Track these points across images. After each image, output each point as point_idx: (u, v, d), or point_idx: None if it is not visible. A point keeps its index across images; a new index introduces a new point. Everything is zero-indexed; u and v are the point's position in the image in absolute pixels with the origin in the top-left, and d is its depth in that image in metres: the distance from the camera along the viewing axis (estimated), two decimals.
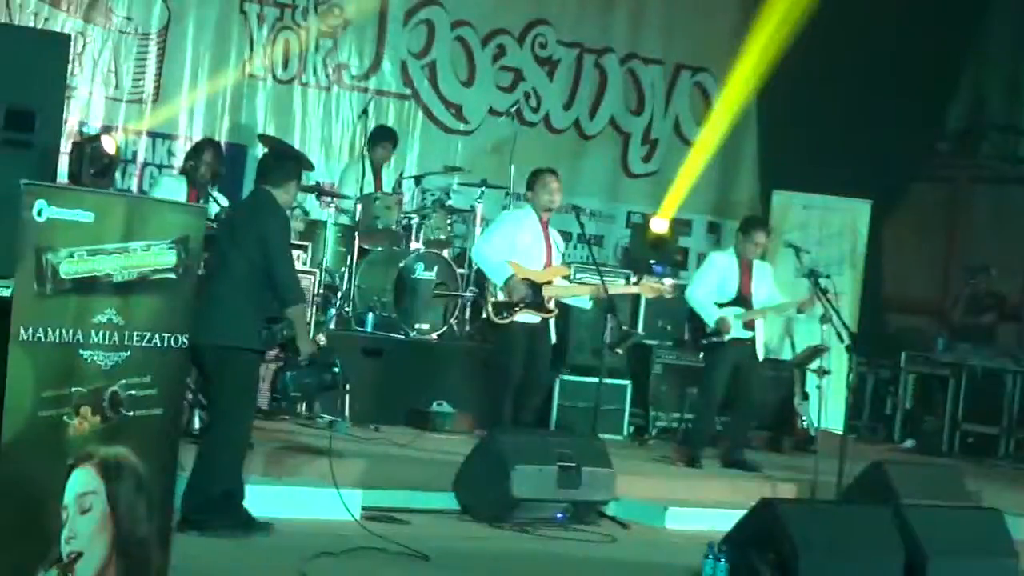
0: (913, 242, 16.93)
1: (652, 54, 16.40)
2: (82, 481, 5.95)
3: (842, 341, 11.24)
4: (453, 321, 12.76)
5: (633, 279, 12.39)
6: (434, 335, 12.58)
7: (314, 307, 11.62)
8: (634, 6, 16.29)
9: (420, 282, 12.51)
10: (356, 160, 13.48)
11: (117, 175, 12.01)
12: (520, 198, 12.34)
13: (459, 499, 9.80)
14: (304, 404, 11.02)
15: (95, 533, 6.01)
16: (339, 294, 12.46)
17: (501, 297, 10.85)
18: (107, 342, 6.01)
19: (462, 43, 15.29)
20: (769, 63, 15.54)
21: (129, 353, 6.09)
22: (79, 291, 5.90)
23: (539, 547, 9.17)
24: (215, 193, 11.29)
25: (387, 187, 13.25)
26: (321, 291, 12.12)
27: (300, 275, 9.66)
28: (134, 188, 13.22)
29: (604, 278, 11.07)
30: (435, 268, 12.59)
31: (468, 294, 12.72)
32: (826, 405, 11.95)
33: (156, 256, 6.16)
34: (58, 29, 12.54)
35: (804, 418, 13.56)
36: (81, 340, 5.92)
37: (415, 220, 12.89)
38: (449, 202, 13.24)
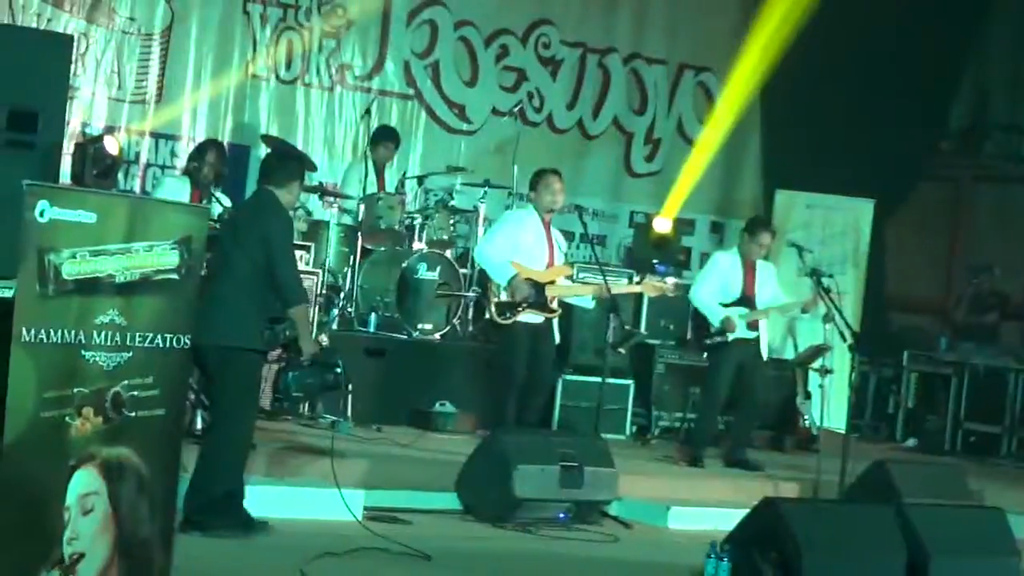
0: (916, 241, 16.93)
1: (655, 54, 16.40)
2: (84, 482, 5.95)
3: (844, 340, 11.24)
4: (456, 321, 12.77)
5: (636, 279, 12.39)
6: (437, 335, 12.58)
7: (317, 307, 11.63)
8: (637, 6, 16.29)
9: (423, 282, 12.52)
10: (359, 160, 13.49)
11: (120, 176, 12.01)
12: (523, 198, 12.33)
13: (461, 499, 9.81)
14: (306, 404, 11.02)
15: (97, 534, 6.02)
16: (342, 294, 12.46)
17: (504, 297, 10.85)
18: (109, 343, 6.01)
19: (465, 43, 15.29)
20: (772, 62, 15.54)
21: (131, 354, 6.10)
22: (81, 292, 5.90)
23: (541, 547, 9.18)
24: (218, 194, 11.30)
25: (390, 187, 13.25)
26: (324, 291, 12.12)
27: (303, 275, 9.68)
28: (137, 189, 13.22)
29: (607, 278, 11.07)
30: (438, 268, 12.59)
31: (471, 294, 12.73)
32: (828, 404, 11.96)
33: (159, 257, 6.17)
34: (61, 30, 12.55)
35: (806, 417, 13.55)
36: (83, 341, 5.93)
37: (418, 220, 12.90)
38: (452, 202, 13.24)
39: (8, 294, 6.67)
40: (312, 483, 9.22)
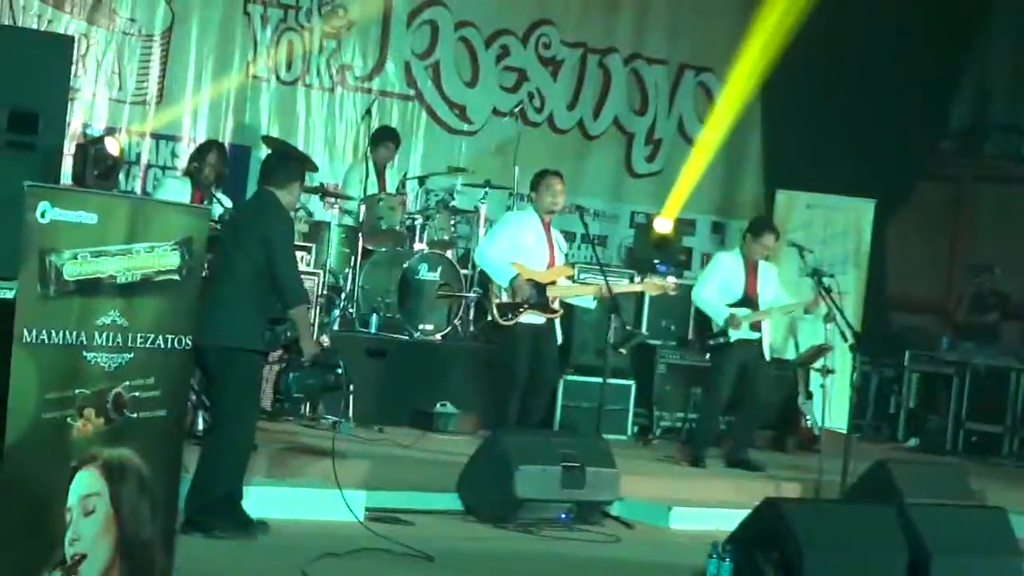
0: (917, 241, 16.93)
1: (656, 54, 16.40)
2: (86, 483, 5.96)
3: (846, 340, 11.24)
4: (457, 322, 12.77)
5: (637, 278, 12.39)
6: (438, 336, 12.59)
7: (318, 308, 11.63)
8: (638, 6, 16.29)
9: (424, 283, 12.52)
10: (360, 161, 13.49)
11: (121, 177, 11.98)
12: (524, 199, 12.33)
13: (463, 500, 9.80)
14: (307, 405, 11.02)
15: (99, 535, 6.02)
16: (343, 295, 12.46)
17: (505, 299, 10.85)
18: (111, 344, 6.01)
19: (466, 44, 15.29)
20: (772, 62, 15.54)
21: (133, 355, 6.10)
22: (82, 293, 5.90)
23: (543, 547, 9.18)
24: (219, 194, 11.30)
25: (391, 188, 13.25)
26: (325, 292, 12.12)
27: (304, 276, 9.69)
28: (138, 190, 13.23)
29: (608, 278, 11.06)
30: (439, 269, 12.59)
31: (472, 295, 12.73)
32: (830, 404, 11.98)
33: (160, 258, 6.17)
34: (61, 31, 12.55)
35: (808, 417, 13.55)
36: (84, 342, 5.93)
37: (419, 221, 12.90)
38: (453, 203, 13.25)
39: (9, 295, 6.68)
40: (313, 484, 9.21)
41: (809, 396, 13.51)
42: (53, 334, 5.82)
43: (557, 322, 11.05)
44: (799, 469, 11.85)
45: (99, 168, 10.07)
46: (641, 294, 12.62)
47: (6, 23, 12.28)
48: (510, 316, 10.84)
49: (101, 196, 7.20)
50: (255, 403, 8.60)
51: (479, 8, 15.31)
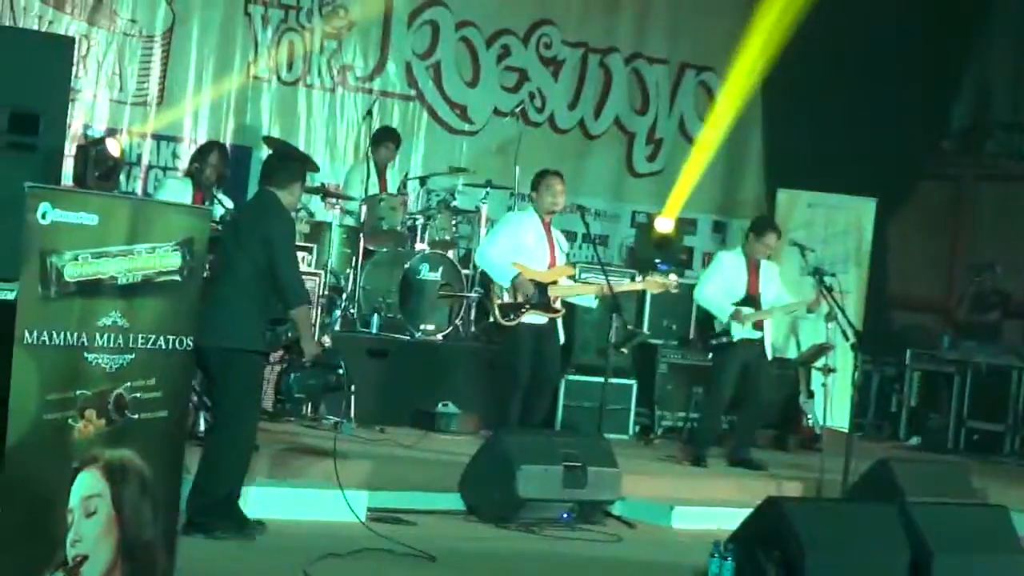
0: (918, 240, 16.93)
1: (657, 54, 16.40)
2: (87, 484, 5.96)
3: (847, 339, 11.23)
4: (458, 322, 12.78)
5: (638, 277, 12.39)
6: (439, 336, 12.59)
7: (319, 308, 11.63)
8: (639, 6, 16.29)
9: (425, 283, 12.53)
10: (361, 161, 13.49)
11: (122, 178, 11.99)
12: (525, 199, 12.33)
13: (465, 500, 9.80)
14: (309, 405, 11.02)
15: (100, 536, 6.02)
16: (344, 295, 12.46)
17: (507, 299, 10.85)
18: (112, 345, 6.01)
19: (467, 44, 15.29)
20: (773, 62, 15.55)
21: (134, 356, 6.10)
22: (83, 294, 5.90)
23: (545, 547, 9.17)
24: (220, 195, 11.31)
25: (392, 188, 13.26)
26: (326, 292, 12.12)
27: (305, 276, 9.69)
28: (139, 191, 13.23)
29: (609, 278, 11.06)
30: (440, 269, 12.60)
31: (473, 295, 12.73)
32: (831, 403, 11.99)
33: (161, 258, 6.17)
34: (62, 32, 12.55)
35: (809, 416, 13.55)
36: (85, 343, 5.93)
37: (420, 221, 12.91)
38: (454, 203, 13.26)
39: (10, 296, 6.67)
40: (315, 484, 9.21)
41: (811, 395, 13.51)
42: (54, 335, 5.82)
43: (559, 322, 11.04)
44: (801, 468, 11.85)
45: (100, 169, 10.07)
46: (643, 293, 12.60)
47: (7, 24, 12.28)
48: (512, 317, 10.84)
49: (102, 197, 7.19)
50: (256, 404, 8.59)
51: (480, 8, 15.31)
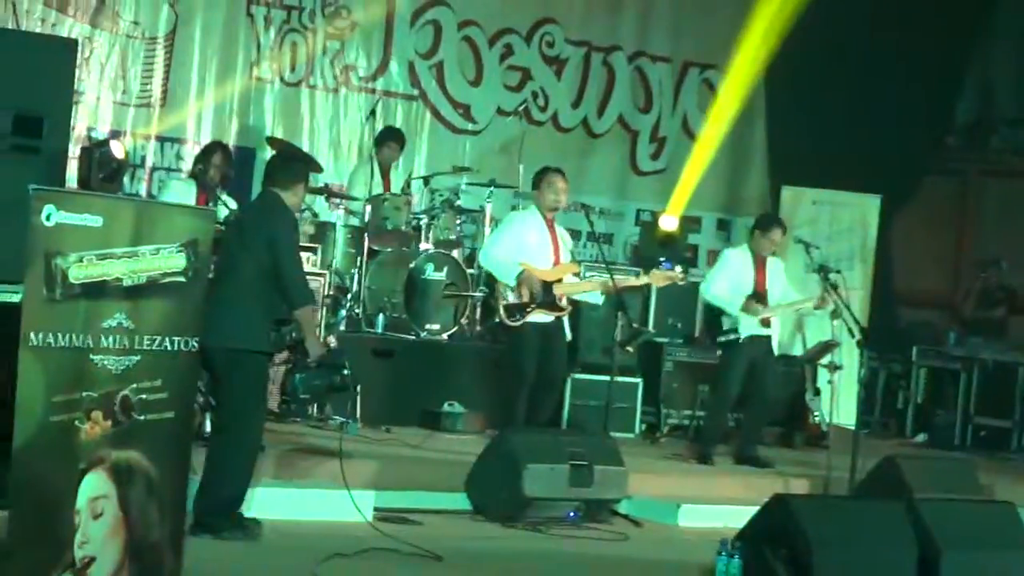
0: (923, 236, 16.91)
1: (660, 52, 16.38)
2: (94, 485, 5.96)
3: (853, 336, 11.22)
4: (463, 321, 12.76)
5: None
6: (445, 335, 12.58)
7: (324, 309, 11.63)
8: (641, 4, 16.27)
9: (430, 283, 12.52)
10: (365, 162, 13.49)
11: (126, 179, 12.00)
12: (529, 197, 12.32)
13: (471, 499, 9.80)
14: (315, 406, 11.01)
15: (107, 537, 6.02)
16: (349, 296, 12.46)
17: (512, 299, 10.83)
18: (117, 346, 6.02)
19: (469, 43, 15.28)
20: (776, 59, 15.54)
21: (139, 357, 6.10)
22: (88, 296, 5.91)
23: (552, 546, 9.17)
24: (224, 196, 11.30)
25: (396, 188, 13.25)
26: (331, 293, 12.12)
27: (309, 277, 9.68)
28: (143, 192, 13.23)
29: (614, 276, 11.05)
30: (445, 268, 12.59)
31: (478, 294, 12.72)
32: (838, 400, 11.95)
33: (165, 260, 6.17)
34: (65, 34, 12.56)
35: (816, 413, 13.54)
36: (91, 345, 5.93)
37: (424, 221, 12.90)
38: (458, 202, 13.26)
39: (15, 298, 6.67)
40: (321, 484, 9.21)
41: (817, 392, 13.51)
42: (60, 337, 5.83)
43: (565, 319, 11.03)
44: (807, 465, 11.84)
45: (104, 171, 10.05)
46: (648, 292, 12.58)
47: (10, 27, 12.28)
48: (518, 317, 10.82)
49: (106, 199, 7.17)
50: (261, 404, 8.58)
51: (482, 7, 15.30)
